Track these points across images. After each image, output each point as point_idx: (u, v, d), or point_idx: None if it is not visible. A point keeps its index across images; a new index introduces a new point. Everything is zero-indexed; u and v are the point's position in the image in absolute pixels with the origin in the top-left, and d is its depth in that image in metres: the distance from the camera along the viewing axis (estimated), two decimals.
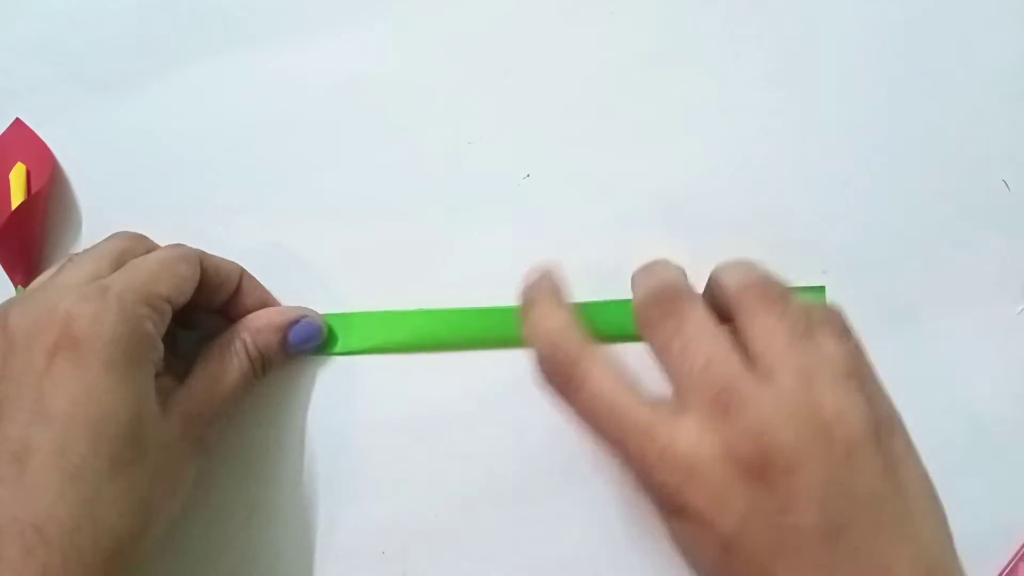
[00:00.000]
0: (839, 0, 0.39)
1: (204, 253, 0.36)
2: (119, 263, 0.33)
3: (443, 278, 0.38)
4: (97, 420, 0.29)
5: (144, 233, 0.37)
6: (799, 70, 0.39)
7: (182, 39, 0.39)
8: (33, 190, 0.38)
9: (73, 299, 0.30)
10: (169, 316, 0.33)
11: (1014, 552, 0.37)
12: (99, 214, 0.39)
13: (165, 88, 0.39)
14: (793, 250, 0.38)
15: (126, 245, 0.34)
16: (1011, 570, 0.37)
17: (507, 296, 0.38)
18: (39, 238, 0.39)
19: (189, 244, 0.39)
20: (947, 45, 0.39)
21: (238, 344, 0.35)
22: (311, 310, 0.37)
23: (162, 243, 0.38)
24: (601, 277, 0.38)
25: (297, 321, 0.37)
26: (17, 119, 0.39)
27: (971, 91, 0.38)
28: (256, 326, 0.36)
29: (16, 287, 0.38)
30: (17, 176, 0.38)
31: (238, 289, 0.37)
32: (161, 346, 0.32)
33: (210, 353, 0.35)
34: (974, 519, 0.38)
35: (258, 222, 0.39)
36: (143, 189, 0.39)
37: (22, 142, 0.39)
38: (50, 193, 0.39)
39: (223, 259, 0.36)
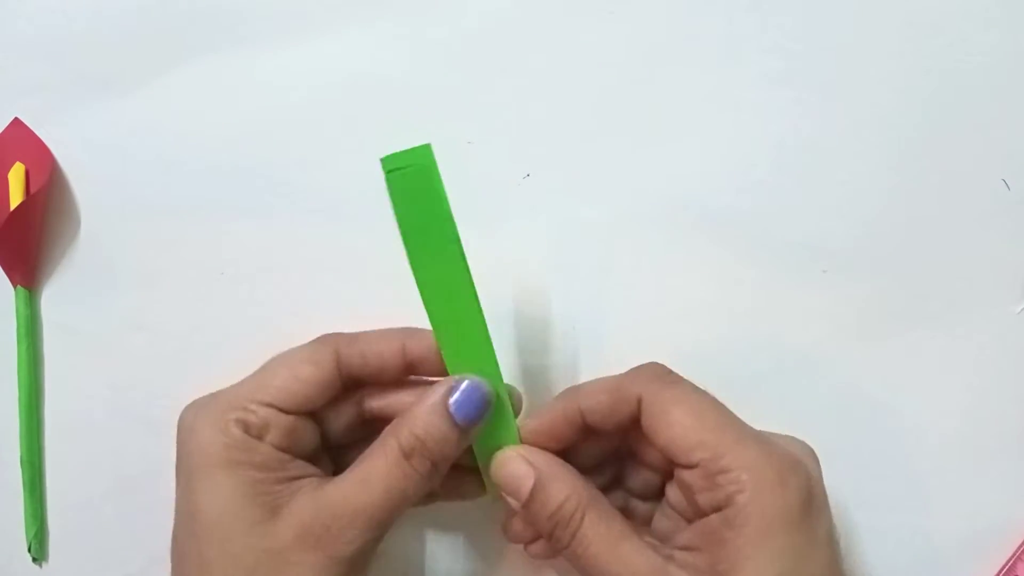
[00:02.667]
0: (838, 1, 0.39)
1: (350, 340, 0.33)
2: None
3: None
4: (186, 523, 0.31)
5: (144, 233, 0.36)
6: (799, 70, 0.39)
7: (182, 39, 0.39)
8: (32, 190, 0.38)
9: (192, 411, 0.32)
10: (284, 419, 0.31)
11: (1013, 551, 0.37)
12: (98, 214, 0.39)
13: (165, 88, 0.39)
14: (793, 250, 0.38)
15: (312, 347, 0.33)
16: (1010, 569, 0.37)
17: (506, 296, 0.38)
18: (38, 238, 0.39)
19: (189, 244, 0.39)
20: (947, 45, 0.39)
21: (389, 440, 0.30)
22: (470, 375, 0.31)
23: (162, 243, 0.39)
24: (600, 277, 0.38)
25: (456, 388, 0.31)
26: (16, 119, 0.39)
27: (971, 91, 0.38)
28: (411, 412, 0.31)
29: (15, 287, 0.38)
30: (16, 176, 0.38)
31: (410, 365, 0.33)
32: (260, 448, 0.31)
33: (362, 457, 0.31)
34: (974, 519, 0.38)
35: (258, 222, 0.39)
36: (142, 189, 0.39)
37: (21, 142, 0.39)
38: (49, 193, 0.39)
39: (377, 338, 0.33)
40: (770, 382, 0.38)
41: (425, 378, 0.34)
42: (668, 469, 0.32)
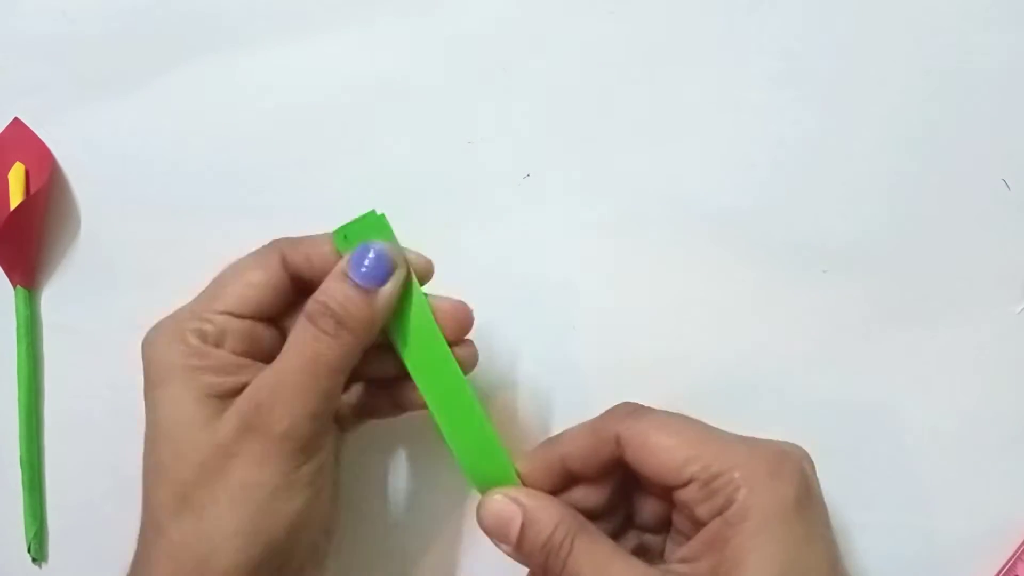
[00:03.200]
0: (839, 1, 0.39)
1: (294, 243, 0.33)
2: None
3: (442, 278, 0.38)
4: (148, 435, 0.32)
5: (144, 233, 0.36)
6: (799, 70, 0.39)
7: (182, 39, 0.39)
8: (32, 190, 0.38)
9: (153, 330, 0.33)
10: (240, 324, 0.32)
11: (1013, 551, 0.37)
12: (98, 214, 0.39)
13: (165, 88, 0.39)
14: (793, 250, 0.38)
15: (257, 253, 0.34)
16: (1010, 568, 0.37)
17: (505, 297, 0.38)
18: (38, 238, 0.39)
19: (189, 244, 0.39)
20: (947, 45, 0.39)
21: (300, 317, 0.31)
22: (375, 243, 0.31)
23: (162, 243, 0.39)
24: (600, 277, 0.38)
25: (360, 254, 0.31)
26: (16, 119, 0.39)
27: (971, 91, 0.38)
28: (321, 285, 0.31)
29: (15, 287, 0.38)
30: (16, 176, 0.38)
31: None
32: (216, 354, 0.31)
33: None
34: (974, 519, 0.38)
35: (258, 222, 0.39)
36: (142, 189, 0.39)
37: (21, 142, 0.39)
38: (49, 193, 0.39)
39: (321, 240, 0.33)
40: (770, 382, 0.38)
41: None
42: (670, 493, 0.32)
